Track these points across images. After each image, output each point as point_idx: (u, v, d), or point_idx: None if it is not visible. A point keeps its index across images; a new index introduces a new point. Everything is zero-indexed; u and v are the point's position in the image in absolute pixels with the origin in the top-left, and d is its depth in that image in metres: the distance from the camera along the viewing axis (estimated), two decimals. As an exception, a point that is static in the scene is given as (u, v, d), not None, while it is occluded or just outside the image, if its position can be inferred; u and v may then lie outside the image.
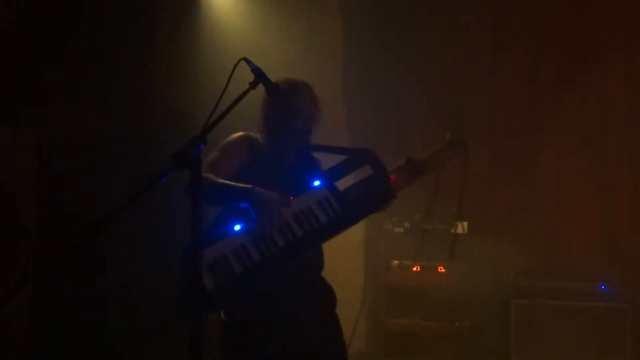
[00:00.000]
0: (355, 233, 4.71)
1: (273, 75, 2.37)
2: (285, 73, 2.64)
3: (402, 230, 4.57)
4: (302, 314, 2.51)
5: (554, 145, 4.82)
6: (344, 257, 4.71)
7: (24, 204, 3.83)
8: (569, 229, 4.73)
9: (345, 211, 2.42)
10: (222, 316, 2.49)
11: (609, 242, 4.68)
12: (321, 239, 2.45)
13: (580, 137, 4.79)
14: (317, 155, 2.73)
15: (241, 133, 2.64)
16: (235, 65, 2.15)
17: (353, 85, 5.03)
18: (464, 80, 5.00)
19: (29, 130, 3.85)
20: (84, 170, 4.00)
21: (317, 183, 2.47)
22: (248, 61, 2.19)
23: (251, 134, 2.65)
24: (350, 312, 4.58)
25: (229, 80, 2.13)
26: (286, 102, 2.54)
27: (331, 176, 2.49)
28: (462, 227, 4.35)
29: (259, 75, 2.20)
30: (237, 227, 2.37)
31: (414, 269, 4.44)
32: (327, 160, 2.66)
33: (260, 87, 2.24)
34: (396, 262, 4.48)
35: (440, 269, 4.39)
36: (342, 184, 2.49)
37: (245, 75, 2.21)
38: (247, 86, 2.19)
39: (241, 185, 2.39)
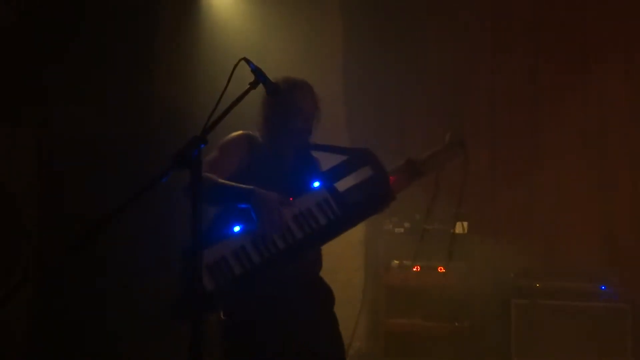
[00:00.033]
0: (356, 233, 4.70)
1: (273, 76, 2.37)
2: (285, 73, 2.64)
3: (402, 230, 4.57)
4: (301, 314, 2.51)
5: (554, 145, 4.82)
6: (344, 257, 4.71)
7: (24, 204, 3.83)
8: (569, 229, 4.73)
9: (345, 213, 2.42)
10: (222, 316, 2.49)
11: (609, 242, 4.68)
12: (321, 241, 2.45)
13: (580, 137, 4.79)
14: (316, 154, 2.73)
15: (240, 132, 2.64)
16: (236, 66, 2.15)
17: (353, 85, 5.02)
18: (464, 80, 5.00)
19: (29, 130, 3.85)
20: (84, 170, 4.00)
21: (316, 184, 2.47)
22: (248, 61, 2.19)
23: (250, 132, 2.65)
24: (350, 312, 4.58)
25: (229, 81, 2.13)
26: (286, 101, 2.54)
27: (331, 177, 2.49)
28: (462, 227, 4.35)
29: (259, 76, 2.20)
30: (236, 229, 2.36)
31: (414, 269, 4.44)
32: (327, 160, 2.66)
33: (260, 87, 2.24)
34: (396, 262, 4.48)
35: (440, 269, 4.39)
36: (342, 184, 2.49)
37: (245, 75, 2.21)
38: (247, 86, 2.19)
39: (242, 186, 2.38)
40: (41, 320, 3.88)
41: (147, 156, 3.91)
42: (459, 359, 4.27)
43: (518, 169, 4.87)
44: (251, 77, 2.21)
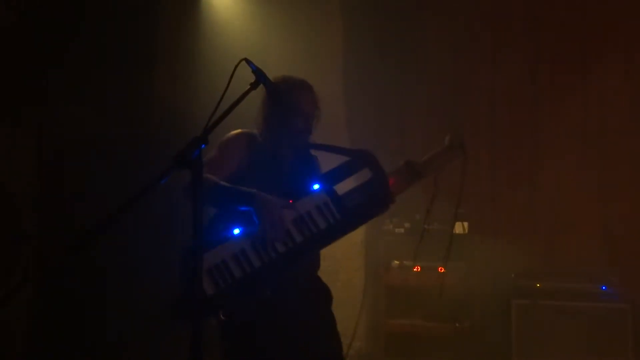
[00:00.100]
0: (356, 233, 4.65)
1: (273, 75, 2.36)
2: (285, 73, 2.64)
3: (402, 230, 4.57)
4: (300, 313, 2.51)
5: (554, 145, 4.82)
6: (345, 258, 4.71)
7: (23, 204, 3.82)
8: (569, 229, 4.73)
9: (345, 217, 2.42)
10: (221, 317, 2.49)
11: (609, 242, 4.68)
12: (321, 244, 2.46)
13: (580, 137, 4.79)
14: (315, 153, 2.73)
15: (239, 130, 2.63)
16: (237, 66, 2.14)
17: (353, 85, 5.02)
18: (464, 80, 5.01)
19: (29, 130, 3.84)
20: (84, 171, 3.99)
21: (316, 187, 2.46)
22: (249, 62, 2.19)
23: (249, 131, 2.65)
24: (350, 312, 4.58)
25: (229, 81, 2.13)
26: (286, 101, 2.54)
27: (330, 179, 2.49)
28: (462, 228, 4.35)
29: (260, 76, 2.20)
30: (236, 231, 2.36)
31: (415, 269, 4.44)
32: (327, 159, 2.66)
33: (261, 86, 2.24)
34: (396, 262, 4.48)
35: (441, 270, 4.39)
36: (341, 186, 2.49)
37: (245, 75, 2.20)
38: (248, 86, 2.18)
39: (245, 189, 2.38)
40: (41, 320, 3.88)
41: (147, 156, 3.92)
42: (460, 359, 4.27)
43: (518, 169, 4.88)
44: (251, 77, 2.21)
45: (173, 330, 2.97)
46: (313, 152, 2.72)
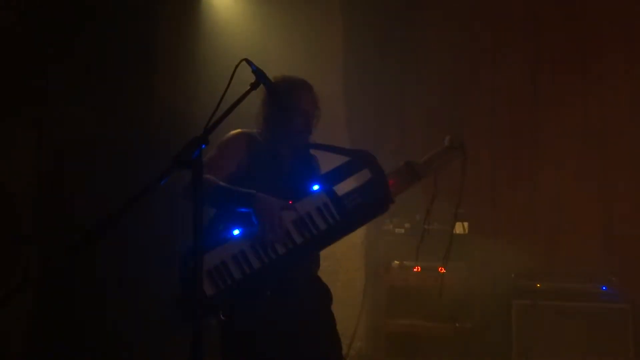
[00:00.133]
0: (356, 233, 4.66)
1: (273, 76, 2.36)
2: (285, 73, 2.64)
3: (402, 230, 4.57)
4: (300, 313, 2.51)
5: (554, 146, 4.82)
6: (345, 258, 4.71)
7: (23, 204, 3.82)
8: (569, 229, 4.73)
9: (344, 218, 2.42)
10: (222, 317, 2.49)
11: (609, 242, 4.68)
12: (320, 246, 2.46)
13: (580, 137, 4.79)
14: (315, 153, 2.72)
15: (238, 131, 2.63)
16: (237, 66, 2.14)
17: (353, 85, 5.02)
18: (464, 80, 5.00)
19: (29, 130, 3.84)
20: (83, 171, 3.99)
21: (316, 187, 2.46)
22: (249, 62, 2.19)
23: (248, 131, 2.65)
24: (351, 312, 4.58)
25: (230, 81, 2.13)
26: (286, 101, 2.53)
27: (330, 180, 2.49)
28: (462, 228, 4.35)
29: (260, 77, 2.20)
30: (236, 232, 2.36)
31: (415, 269, 4.44)
32: (326, 158, 2.66)
33: (261, 86, 2.24)
34: (397, 262, 4.48)
35: (441, 270, 4.38)
36: (341, 187, 2.49)
37: (245, 75, 2.20)
38: (248, 86, 2.18)
39: (244, 190, 2.38)
40: (41, 320, 3.88)
41: (147, 156, 3.91)
42: (460, 359, 4.27)
43: (518, 169, 4.88)
44: (251, 77, 2.21)
45: (173, 331, 2.97)
46: (312, 152, 2.72)
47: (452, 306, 4.30)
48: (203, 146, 1.88)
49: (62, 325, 3.90)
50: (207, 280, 2.25)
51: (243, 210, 2.36)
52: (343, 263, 4.73)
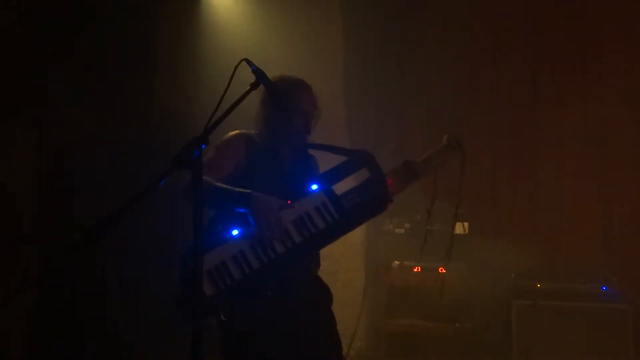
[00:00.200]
0: (356, 233, 4.70)
1: (272, 75, 2.36)
2: (285, 73, 2.64)
3: (402, 231, 4.57)
4: (300, 313, 2.51)
5: (554, 145, 4.82)
6: (345, 258, 4.72)
7: (23, 204, 3.82)
8: (569, 229, 4.73)
9: (343, 217, 2.42)
10: (222, 317, 2.49)
11: (609, 242, 4.68)
12: (320, 245, 2.46)
13: (581, 137, 4.79)
14: (314, 152, 2.72)
15: (237, 132, 2.64)
16: (237, 66, 2.14)
17: (353, 85, 5.02)
18: (464, 80, 5.00)
19: (29, 130, 3.84)
20: (84, 171, 3.99)
21: (314, 187, 2.46)
22: (249, 62, 2.19)
23: (247, 132, 2.65)
24: (351, 312, 4.58)
25: (230, 81, 2.13)
26: (286, 101, 2.53)
27: (328, 180, 2.49)
28: (462, 228, 4.35)
29: (260, 77, 2.20)
30: (235, 232, 2.37)
31: (415, 269, 4.44)
32: (326, 158, 2.66)
33: (260, 86, 2.24)
34: (397, 262, 4.48)
35: (441, 270, 4.39)
36: (340, 186, 2.49)
37: (245, 75, 2.20)
38: (248, 86, 2.18)
39: (240, 190, 2.38)
40: (41, 320, 3.88)
41: (147, 156, 3.91)
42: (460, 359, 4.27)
43: (518, 169, 4.87)
44: (251, 77, 2.21)
45: (173, 331, 2.97)
46: (311, 151, 2.72)
47: (452, 306, 4.30)
48: (203, 146, 1.88)
49: (62, 325, 3.90)
50: (207, 281, 2.26)
51: (240, 210, 2.36)
52: (343, 263, 4.73)
